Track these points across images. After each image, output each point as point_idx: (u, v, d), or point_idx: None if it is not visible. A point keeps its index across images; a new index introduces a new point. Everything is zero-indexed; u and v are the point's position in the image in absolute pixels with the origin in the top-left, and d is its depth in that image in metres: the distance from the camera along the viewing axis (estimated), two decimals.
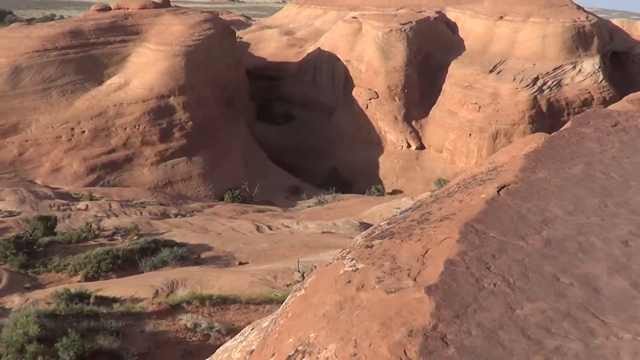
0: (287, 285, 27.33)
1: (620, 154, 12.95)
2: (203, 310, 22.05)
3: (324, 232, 46.94)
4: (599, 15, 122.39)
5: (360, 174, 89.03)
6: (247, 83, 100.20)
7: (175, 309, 21.72)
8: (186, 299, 22.52)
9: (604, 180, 11.30)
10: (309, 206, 70.86)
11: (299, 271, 28.44)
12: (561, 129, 15.54)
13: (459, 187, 11.43)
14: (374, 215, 54.80)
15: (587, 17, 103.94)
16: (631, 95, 20.08)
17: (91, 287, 26.45)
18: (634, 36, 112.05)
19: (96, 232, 39.19)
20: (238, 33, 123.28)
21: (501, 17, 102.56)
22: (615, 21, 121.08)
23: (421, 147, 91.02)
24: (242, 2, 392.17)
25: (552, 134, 15.16)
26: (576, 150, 13.03)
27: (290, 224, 49.53)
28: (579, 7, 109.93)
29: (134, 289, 26.62)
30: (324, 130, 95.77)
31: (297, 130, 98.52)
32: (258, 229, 46.52)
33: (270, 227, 47.55)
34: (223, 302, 22.99)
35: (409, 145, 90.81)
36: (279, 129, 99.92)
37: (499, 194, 9.98)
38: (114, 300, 24.55)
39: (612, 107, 18.90)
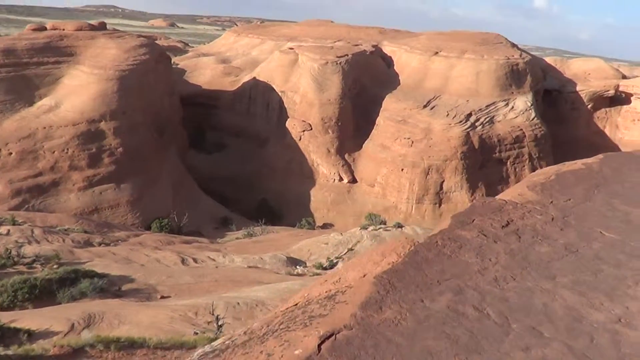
0: (208, 323, 26.74)
1: (506, 273, 10.31)
2: (107, 356, 20.98)
3: (249, 267, 46.63)
4: (533, 53, 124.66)
5: (292, 206, 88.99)
6: (181, 110, 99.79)
7: (78, 352, 20.63)
8: (90, 342, 21.24)
9: (475, 321, 8.61)
10: (237, 238, 70.51)
11: (212, 313, 28.15)
12: (437, 230, 12.57)
13: (281, 323, 9.02)
14: (301, 250, 55.05)
15: (520, 55, 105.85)
16: (534, 177, 17.78)
17: (5, 317, 25.79)
18: (567, 74, 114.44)
19: (15, 259, 38.55)
20: (175, 59, 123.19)
21: (436, 53, 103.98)
22: (549, 59, 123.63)
23: (353, 180, 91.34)
24: (182, 28, 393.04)
25: (423, 240, 11.83)
26: (447, 269, 10.24)
27: (216, 257, 49.17)
28: (513, 45, 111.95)
29: (49, 321, 25.97)
30: (257, 160, 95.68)
31: (229, 160, 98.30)
32: (183, 261, 46.00)
33: (195, 260, 47.07)
34: (130, 346, 21.80)
35: (341, 179, 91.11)
36: (211, 158, 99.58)
37: (319, 350, 7.66)
38: (28, 332, 24.10)
39: (508, 193, 16.14)
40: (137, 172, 77.64)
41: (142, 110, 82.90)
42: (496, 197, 15.90)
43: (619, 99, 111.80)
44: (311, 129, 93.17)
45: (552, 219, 13.31)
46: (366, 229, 59.74)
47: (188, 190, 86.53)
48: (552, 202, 14.66)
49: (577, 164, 19.05)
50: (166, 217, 74.59)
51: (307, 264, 50.70)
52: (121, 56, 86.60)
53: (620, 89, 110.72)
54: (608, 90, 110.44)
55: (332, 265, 49.80)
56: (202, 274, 40.55)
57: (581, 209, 14.25)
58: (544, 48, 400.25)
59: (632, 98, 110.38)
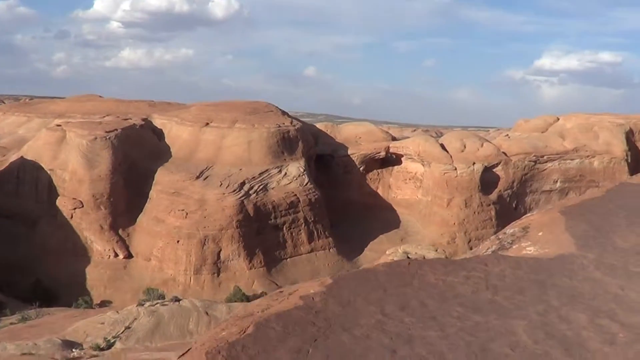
0: None
1: None
2: None
3: (23, 354, 46.69)
4: (304, 120, 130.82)
5: (67, 286, 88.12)
6: None
7: None
8: None
9: None
10: (11, 323, 70.00)
11: None
12: None
13: None
14: (77, 332, 54.75)
15: (291, 122, 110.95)
16: (225, 329, 12.90)
17: None
18: (338, 139, 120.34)
19: None
20: None
21: (207, 124, 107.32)
22: (320, 125, 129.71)
23: (129, 256, 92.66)
24: None
25: None
26: None
27: None
28: (283, 113, 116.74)
29: None
30: (29, 241, 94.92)
31: None
32: None
33: None
34: None
35: (116, 255, 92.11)
36: None
37: None
38: None
39: None
40: None
41: None
42: None
43: (390, 160, 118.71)
44: (82, 206, 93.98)
45: None
46: (143, 305, 58.66)
47: None
48: None
49: (294, 297, 14.57)
50: None
51: (84, 346, 50.00)
52: None
53: (391, 150, 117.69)
54: (379, 152, 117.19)
55: (109, 346, 49.94)
56: None
57: None
58: (315, 114, 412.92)
59: (402, 159, 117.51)
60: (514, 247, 19.71)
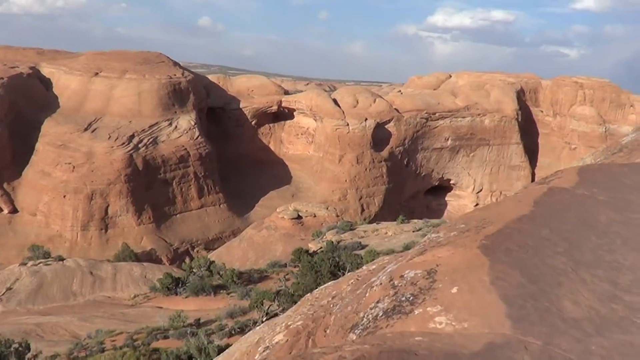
0: None
1: None
2: None
3: None
4: (198, 71, 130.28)
5: None
6: None
7: None
8: None
9: None
10: None
11: None
12: None
13: None
14: None
15: (183, 74, 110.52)
16: None
17: None
18: (230, 92, 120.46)
19: None
20: None
21: (97, 74, 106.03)
22: (213, 77, 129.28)
23: (14, 210, 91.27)
24: None
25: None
26: None
27: None
28: (175, 64, 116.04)
29: None
30: None
31: None
32: None
33: None
34: None
35: (0, 210, 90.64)
36: None
37: None
38: None
39: None
40: None
41: None
42: None
43: (283, 115, 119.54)
44: None
45: None
46: (25, 264, 58.90)
47: None
48: None
49: None
50: None
51: None
52: None
53: (283, 104, 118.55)
54: (271, 106, 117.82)
55: None
56: None
57: None
58: (209, 65, 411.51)
59: (294, 113, 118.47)
60: (416, 312, 10.84)
